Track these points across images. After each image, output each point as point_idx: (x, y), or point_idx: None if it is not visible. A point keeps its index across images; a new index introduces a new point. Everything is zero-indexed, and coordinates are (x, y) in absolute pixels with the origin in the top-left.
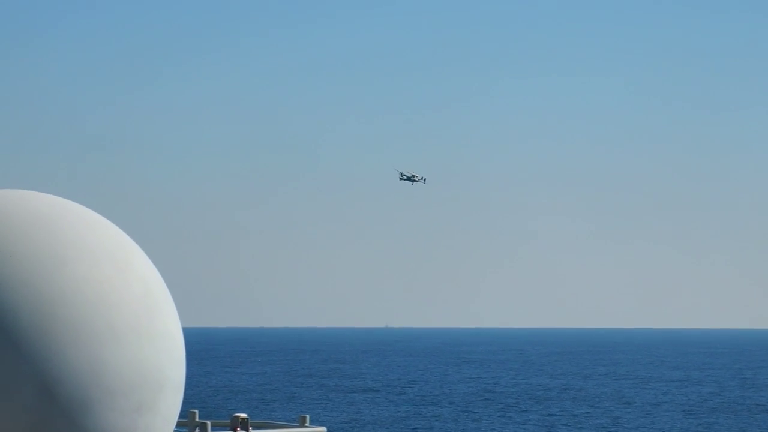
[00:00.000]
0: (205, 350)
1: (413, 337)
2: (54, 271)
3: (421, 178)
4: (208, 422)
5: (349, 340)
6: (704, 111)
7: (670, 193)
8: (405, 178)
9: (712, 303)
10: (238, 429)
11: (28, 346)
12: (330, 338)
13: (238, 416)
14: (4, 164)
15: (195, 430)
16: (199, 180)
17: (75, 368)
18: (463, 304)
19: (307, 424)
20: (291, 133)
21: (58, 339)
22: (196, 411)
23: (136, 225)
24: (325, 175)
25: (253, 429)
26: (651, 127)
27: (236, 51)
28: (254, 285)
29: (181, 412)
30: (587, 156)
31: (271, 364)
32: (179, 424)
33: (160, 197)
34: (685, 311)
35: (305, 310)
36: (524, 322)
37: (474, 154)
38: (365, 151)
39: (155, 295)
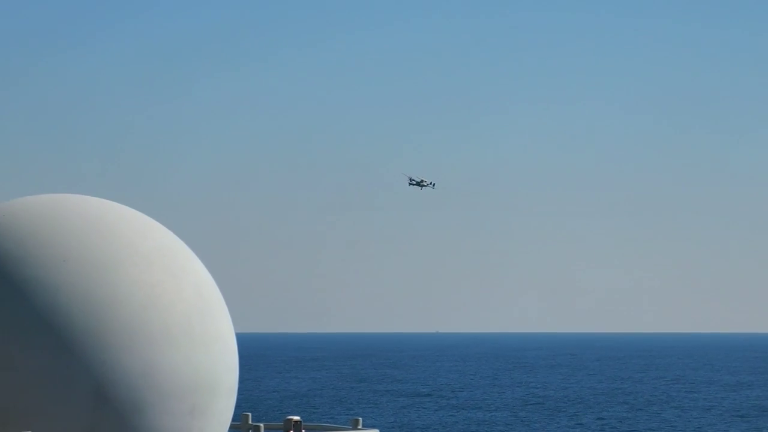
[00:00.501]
0: (258, 355)
1: (463, 342)
2: (107, 275)
3: (430, 183)
4: (262, 425)
5: (400, 345)
6: (724, 112)
7: (708, 195)
8: (414, 183)
9: (759, 307)
10: (291, 431)
11: (83, 349)
12: (381, 343)
13: (291, 419)
14: (58, 170)
15: None
16: (251, 185)
17: (128, 371)
18: (511, 309)
19: (359, 427)
20: (336, 141)
21: (112, 342)
22: (249, 414)
23: (189, 230)
24: (370, 180)
25: (305, 431)
26: (680, 128)
27: (278, 54)
28: (305, 291)
29: (235, 415)
30: (619, 155)
31: (324, 369)
32: (232, 427)
33: (212, 201)
34: (730, 315)
35: (356, 316)
36: (572, 326)
37: (500, 159)
38: (407, 155)
39: (208, 299)
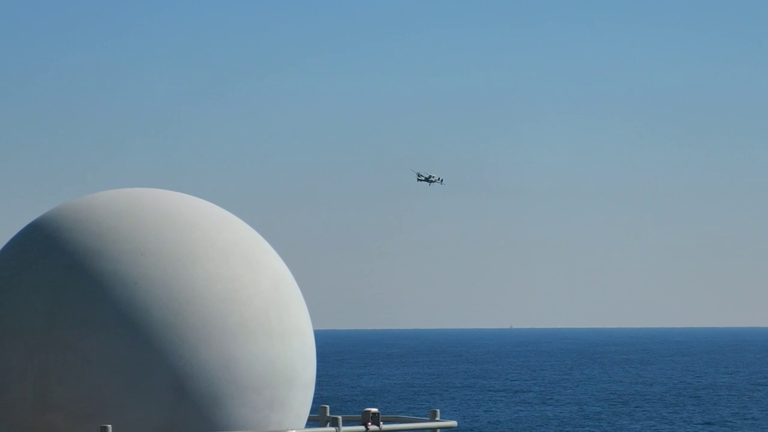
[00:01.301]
0: (337, 351)
1: (539, 337)
2: (185, 269)
3: (439, 179)
4: (339, 417)
5: (474, 341)
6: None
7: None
8: (423, 178)
9: None
10: (369, 423)
11: (161, 343)
12: (455, 339)
13: (369, 411)
14: (134, 163)
15: (326, 424)
16: (328, 180)
17: (207, 364)
18: (584, 304)
19: (437, 418)
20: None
21: (190, 336)
22: (327, 406)
23: (267, 224)
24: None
25: (384, 423)
26: (703, 129)
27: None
28: (376, 287)
29: (312, 407)
30: (652, 152)
31: (402, 365)
32: (310, 420)
33: (290, 195)
34: None
35: (429, 312)
36: (645, 321)
37: (536, 160)
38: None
39: (285, 293)
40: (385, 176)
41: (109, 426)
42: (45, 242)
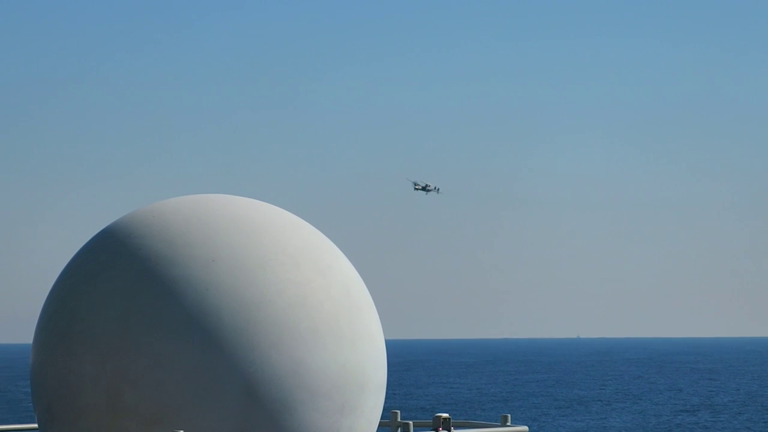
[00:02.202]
0: (409, 361)
1: (610, 347)
2: (255, 275)
3: (435, 188)
4: (410, 422)
5: (543, 350)
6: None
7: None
8: (419, 188)
9: None
10: (440, 429)
11: (232, 348)
12: (524, 348)
13: (440, 416)
14: (204, 170)
15: (397, 430)
16: (400, 185)
17: (278, 370)
18: (653, 313)
19: (508, 424)
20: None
21: (261, 341)
22: (398, 411)
23: (337, 228)
24: (517, 186)
25: (454, 429)
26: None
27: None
28: (441, 298)
29: (384, 413)
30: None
31: (470, 374)
32: (381, 425)
33: (361, 199)
34: None
35: (492, 322)
36: (718, 330)
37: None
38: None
39: (356, 298)
40: (463, 187)
41: (181, 431)
42: (117, 249)
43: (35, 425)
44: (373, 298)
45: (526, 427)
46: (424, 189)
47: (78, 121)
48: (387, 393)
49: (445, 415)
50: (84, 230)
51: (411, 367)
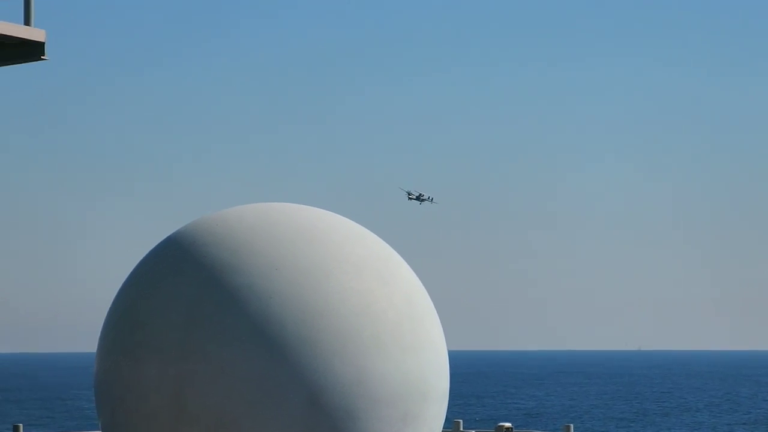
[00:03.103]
0: (471, 372)
1: (672, 359)
2: (318, 283)
3: (429, 197)
4: (473, 431)
5: (604, 361)
6: None
7: None
8: (413, 197)
9: None
10: None
11: (295, 356)
12: (585, 360)
13: (503, 425)
14: (268, 178)
15: None
16: (464, 194)
17: (341, 378)
18: (715, 325)
19: None
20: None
21: (324, 350)
22: (461, 420)
23: (400, 237)
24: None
25: None
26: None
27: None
28: (501, 308)
29: (446, 422)
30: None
31: (530, 385)
32: None
33: (423, 209)
34: None
35: (553, 333)
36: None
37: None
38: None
39: (418, 307)
40: (525, 196)
41: None
42: (181, 256)
43: None
44: (436, 302)
45: None
46: (417, 198)
47: (144, 128)
48: (449, 402)
49: (508, 424)
50: (148, 238)
51: (473, 378)
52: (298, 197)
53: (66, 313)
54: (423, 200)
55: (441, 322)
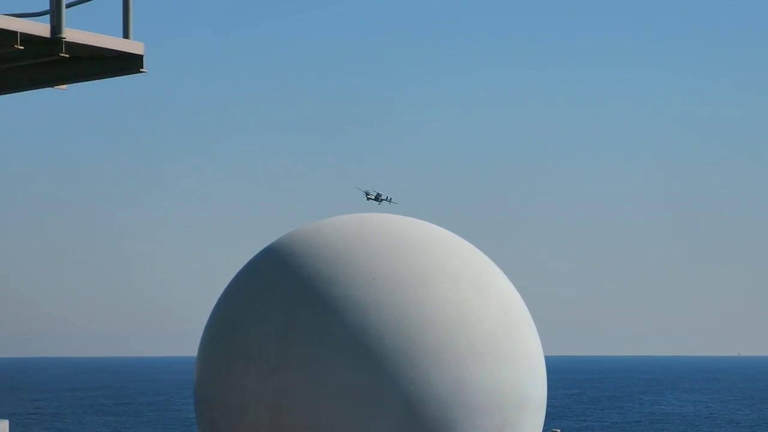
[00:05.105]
0: (569, 379)
1: None
2: (415, 293)
3: (387, 197)
4: None
5: (701, 366)
6: None
7: None
8: (371, 197)
9: None
10: None
11: (393, 367)
12: (681, 367)
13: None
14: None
15: None
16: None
17: (437, 388)
18: None
19: None
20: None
21: (421, 360)
22: (558, 430)
23: (496, 247)
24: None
25: None
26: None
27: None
28: (598, 313)
29: (544, 431)
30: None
31: (633, 392)
32: None
33: (520, 219)
34: None
35: (645, 337)
36: None
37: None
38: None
39: (515, 317)
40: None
41: None
42: (279, 267)
43: None
44: (533, 312)
45: None
46: (376, 199)
47: (243, 144)
48: (550, 410)
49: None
50: (247, 248)
51: (571, 385)
52: (394, 208)
53: (169, 318)
54: (382, 200)
55: (539, 329)
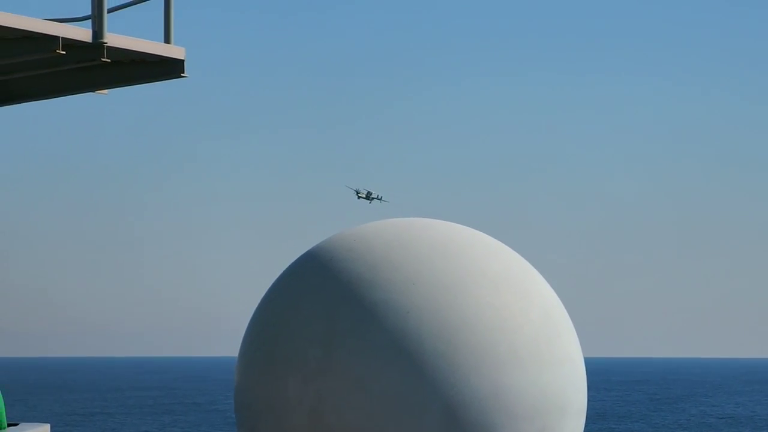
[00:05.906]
0: (610, 381)
1: None
2: (455, 298)
3: (378, 196)
4: None
5: (740, 367)
6: None
7: None
8: (362, 196)
9: None
10: None
11: (433, 372)
12: (731, 371)
13: None
14: (405, 194)
15: None
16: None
17: (478, 393)
18: None
19: None
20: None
21: (461, 365)
22: None
23: (536, 251)
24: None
25: None
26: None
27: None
28: (637, 315)
29: None
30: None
31: (674, 396)
32: None
33: (559, 223)
34: None
35: (675, 339)
36: None
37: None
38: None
39: (555, 322)
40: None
41: None
42: (320, 272)
43: None
44: (573, 317)
45: None
46: (367, 197)
47: (280, 148)
48: (588, 416)
49: None
50: (288, 253)
51: (613, 387)
52: (435, 212)
53: (212, 320)
54: (373, 199)
55: (578, 331)
